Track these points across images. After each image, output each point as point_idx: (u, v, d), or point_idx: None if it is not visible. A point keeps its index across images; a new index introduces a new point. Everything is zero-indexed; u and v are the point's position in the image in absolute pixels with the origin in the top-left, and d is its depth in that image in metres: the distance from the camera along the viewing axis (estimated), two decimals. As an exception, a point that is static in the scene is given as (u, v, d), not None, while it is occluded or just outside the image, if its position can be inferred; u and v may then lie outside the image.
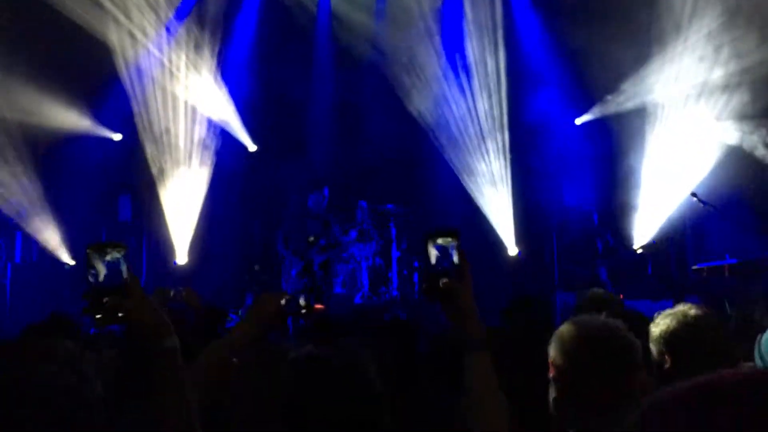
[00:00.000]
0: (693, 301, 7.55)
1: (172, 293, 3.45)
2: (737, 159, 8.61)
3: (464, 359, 1.80)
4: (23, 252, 9.11)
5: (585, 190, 9.20)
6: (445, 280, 1.80)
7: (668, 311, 2.59)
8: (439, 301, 1.83)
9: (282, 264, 8.07)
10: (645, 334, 2.51)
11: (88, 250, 1.58)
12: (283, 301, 2.29)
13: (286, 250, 7.85)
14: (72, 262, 9.33)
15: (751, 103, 8.41)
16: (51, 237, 9.24)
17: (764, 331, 2.57)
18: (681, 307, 2.59)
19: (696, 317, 2.52)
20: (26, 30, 8.62)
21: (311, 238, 7.80)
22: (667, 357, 2.49)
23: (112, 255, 1.58)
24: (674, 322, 2.51)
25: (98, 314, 1.54)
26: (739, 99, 8.50)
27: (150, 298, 1.59)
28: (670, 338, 2.49)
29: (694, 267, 7.98)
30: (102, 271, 1.57)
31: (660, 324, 2.55)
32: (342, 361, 1.70)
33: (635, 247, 9.02)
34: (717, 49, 8.59)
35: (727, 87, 8.58)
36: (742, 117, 8.58)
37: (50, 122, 9.27)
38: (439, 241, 1.82)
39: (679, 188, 8.93)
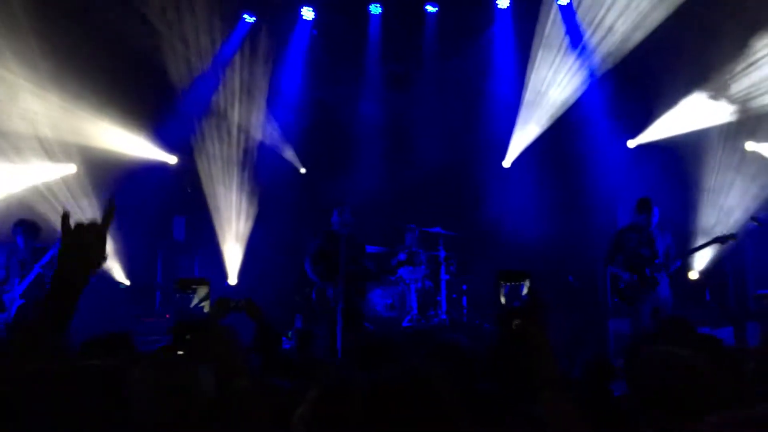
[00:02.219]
0: (754, 330, 7.36)
1: (232, 304, 3.51)
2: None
3: (539, 395, 1.78)
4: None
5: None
6: (517, 321, 1.78)
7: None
8: (513, 341, 1.81)
9: (314, 284, 8.04)
10: (723, 358, 2.41)
11: (175, 286, 1.63)
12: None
13: (312, 269, 7.85)
14: (128, 282, 9.54)
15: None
16: (108, 257, 9.47)
17: None
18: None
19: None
20: (89, 58, 8.92)
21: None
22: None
23: (197, 291, 1.62)
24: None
25: (181, 350, 1.58)
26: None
27: (230, 338, 1.61)
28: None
29: (756, 294, 7.74)
30: (190, 306, 1.61)
31: None
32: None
33: (692, 273, 8.76)
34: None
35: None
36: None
37: (111, 146, 9.56)
38: (511, 281, 1.81)
39: (738, 212, 8.71)
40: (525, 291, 1.81)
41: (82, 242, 1.66)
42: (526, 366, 1.81)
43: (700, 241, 7.68)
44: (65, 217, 1.59)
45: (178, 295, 1.60)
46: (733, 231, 7.39)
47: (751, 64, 8.72)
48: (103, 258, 1.58)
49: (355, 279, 7.78)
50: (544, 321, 1.80)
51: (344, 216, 7.71)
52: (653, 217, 7.31)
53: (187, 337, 1.58)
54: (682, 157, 9.33)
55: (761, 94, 8.78)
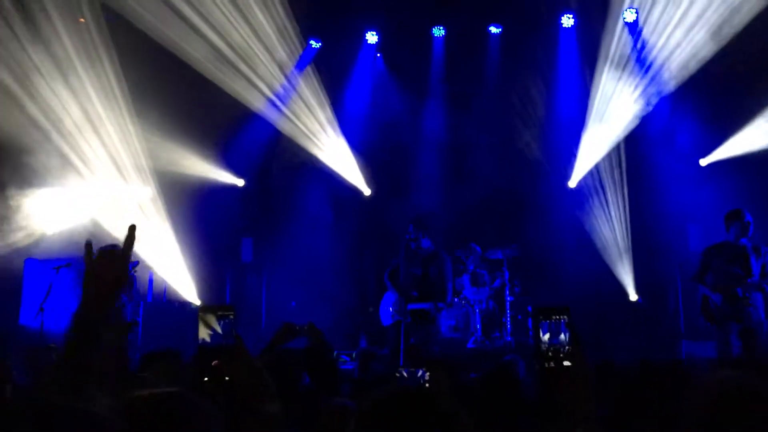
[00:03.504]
0: None
1: (297, 328, 3.65)
2: None
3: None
4: (155, 291, 9.69)
5: (712, 234, 8.69)
6: (551, 364, 1.76)
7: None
8: (553, 377, 1.79)
9: (384, 294, 7.99)
10: None
11: (199, 312, 1.68)
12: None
13: (389, 281, 7.76)
14: (198, 302, 9.83)
15: None
16: (180, 278, 9.81)
17: None
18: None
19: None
20: (162, 86, 9.33)
21: None
22: None
23: (222, 317, 1.67)
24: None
25: (205, 377, 1.63)
26: None
27: (255, 362, 1.66)
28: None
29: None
30: (211, 333, 1.66)
31: None
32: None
33: None
34: None
35: None
36: None
37: (184, 170, 9.93)
38: (550, 317, 1.79)
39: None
40: (565, 326, 1.78)
41: (105, 270, 1.64)
42: (564, 402, 1.79)
43: None
44: (88, 246, 1.65)
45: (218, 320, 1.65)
46: None
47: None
48: (125, 284, 1.63)
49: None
50: (584, 357, 1.77)
51: (419, 235, 7.56)
52: (747, 228, 6.64)
53: (213, 363, 1.63)
54: (758, 174, 9.00)
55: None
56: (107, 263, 1.59)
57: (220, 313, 1.70)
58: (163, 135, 9.58)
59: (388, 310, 7.69)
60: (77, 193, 9.12)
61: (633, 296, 9.70)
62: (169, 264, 9.71)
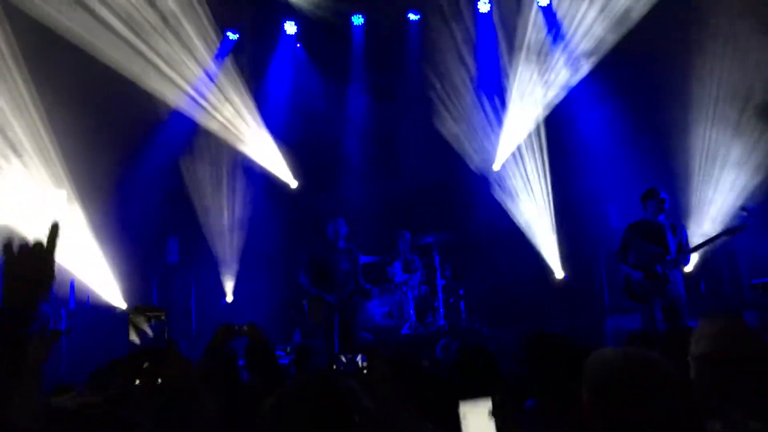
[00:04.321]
0: (751, 319, 7.33)
1: (236, 328, 3.54)
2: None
3: None
4: (77, 297, 9.33)
5: (632, 212, 9.02)
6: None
7: (708, 329, 2.33)
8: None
9: (306, 297, 8.07)
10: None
11: (129, 314, 1.61)
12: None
13: (307, 281, 7.83)
14: (124, 306, 9.53)
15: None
16: (103, 281, 9.48)
17: None
18: (719, 326, 2.33)
19: (738, 335, 2.33)
20: (73, 83, 8.96)
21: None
22: (707, 378, 2.35)
23: (153, 318, 1.61)
24: (715, 342, 2.28)
25: (137, 379, 1.56)
26: None
27: (187, 364, 1.61)
28: (710, 359, 2.26)
29: (751, 283, 7.73)
30: (150, 332, 1.60)
31: (701, 344, 2.31)
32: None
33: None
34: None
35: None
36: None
37: (102, 170, 9.56)
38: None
39: (728, 205, 8.76)
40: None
41: (29, 266, 1.52)
42: None
43: (708, 234, 7.34)
44: (8, 243, 1.53)
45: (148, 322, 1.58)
46: (740, 222, 6.89)
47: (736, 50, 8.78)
48: (52, 279, 1.51)
49: (351, 293, 7.82)
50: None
51: (339, 228, 7.78)
52: (662, 204, 6.86)
53: (145, 365, 1.57)
54: (670, 149, 9.38)
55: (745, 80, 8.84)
56: (30, 261, 1.48)
57: (150, 314, 1.64)
58: (77, 135, 9.19)
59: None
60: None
61: (559, 274, 9.96)
62: (91, 268, 9.36)
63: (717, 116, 9.07)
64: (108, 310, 9.37)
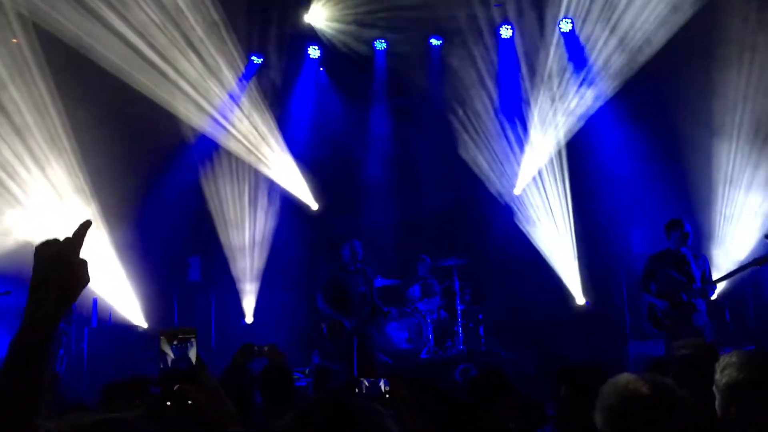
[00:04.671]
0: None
1: (256, 348, 3.55)
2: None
3: None
4: (99, 316, 9.42)
5: (655, 237, 8.97)
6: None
7: (734, 359, 2.42)
8: None
9: (325, 320, 8.10)
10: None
11: (160, 336, 1.63)
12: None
13: (325, 304, 7.88)
14: (145, 325, 9.59)
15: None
16: (125, 300, 9.57)
17: None
18: (746, 356, 2.42)
19: (762, 362, 2.38)
20: (101, 105, 9.14)
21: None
22: (732, 408, 2.37)
23: (183, 340, 1.63)
24: (741, 372, 2.36)
25: (168, 401, 1.58)
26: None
27: (217, 386, 1.62)
28: (737, 388, 2.35)
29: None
30: (172, 356, 1.61)
31: (724, 374, 2.40)
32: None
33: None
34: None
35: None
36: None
37: (124, 189, 9.70)
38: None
39: (752, 231, 8.66)
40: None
41: (61, 270, 1.42)
42: None
43: (733, 264, 7.37)
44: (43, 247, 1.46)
45: (170, 345, 1.59)
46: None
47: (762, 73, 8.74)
48: (86, 282, 1.43)
49: (368, 316, 7.83)
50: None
51: (354, 250, 7.81)
52: (686, 237, 6.91)
53: (175, 387, 1.59)
54: (693, 174, 9.31)
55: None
56: (61, 264, 1.41)
57: (181, 336, 1.66)
58: (103, 154, 9.34)
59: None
60: (11, 218, 8.80)
61: (581, 300, 9.88)
62: (113, 287, 9.45)
63: (741, 140, 9.01)
64: (129, 329, 9.45)
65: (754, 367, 2.33)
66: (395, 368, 8.48)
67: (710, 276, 7.06)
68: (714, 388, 2.40)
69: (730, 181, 9.10)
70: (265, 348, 3.64)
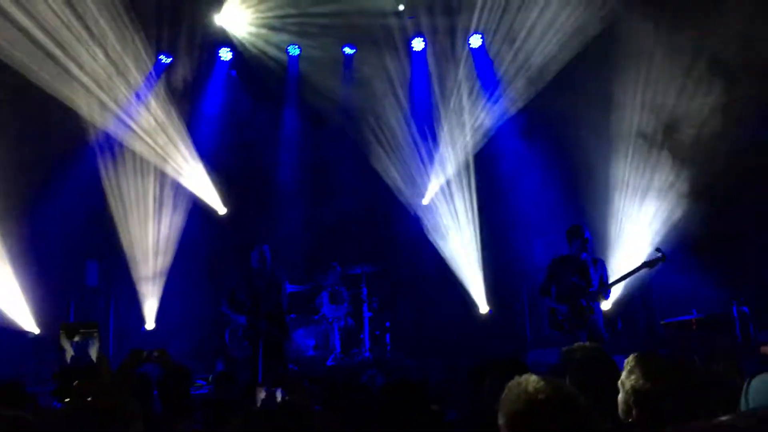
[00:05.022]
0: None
1: (145, 354, 3.42)
2: (694, 215, 8.92)
3: None
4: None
5: (556, 248, 9.33)
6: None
7: (641, 363, 2.56)
8: None
9: (228, 325, 8.01)
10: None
11: (60, 330, 1.58)
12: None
13: (230, 309, 7.78)
14: (36, 330, 9.12)
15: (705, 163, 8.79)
16: (15, 304, 9.06)
17: (747, 382, 2.61)
18: (652, 362, 2.56)
19: (664, 370, 2.53)
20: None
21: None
22: (634, 411, 2.50)
23: (83, 335, 1.58)
24: (645, 377, 2.51)
25: (67, 397, 1.53)
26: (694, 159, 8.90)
27: (121, 383, 1.58)
28: (640, 392, 2.49)
29: (663, 322, 8.04)
30: (72, 352, 1.57)
31: (631, 377, 2.54)
32: None
33: (605, 303, 8.89)
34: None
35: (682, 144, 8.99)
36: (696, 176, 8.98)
37: (20, 188, 9.21)
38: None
39: (644, 244, 9.12)
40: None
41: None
42: None
43: (627, 268, 7.52)
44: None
45: (70, 340, 1.54)
46: (658, 255, 7.12)
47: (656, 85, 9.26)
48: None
49: (275, 318, 7.74)
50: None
51: (264, 255, 7.72)
52: (586, 243, 7.18)
53: (75, 383, 1.53)
54: (594, 186, 9.73)
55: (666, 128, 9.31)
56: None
57: (83, 331, 1.60)
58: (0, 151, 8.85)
59: (238, 337, 7.74)
60: None
61: (484, 308, 10.12)
62: (2, 290, 8.94)
63: (637, 151, 9.49)
64: (18, 333, 8.96)
65: (658, 375, 2.48)
66: (301, 375, 8.41)
67: (607, 279, 7.37)
68: (620, 386, 2.53)
69: (627, 190, 9.57)
70: (155, 353, 3.52)
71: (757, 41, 7.83)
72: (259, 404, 4.97)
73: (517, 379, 2.04)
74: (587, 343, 3.38)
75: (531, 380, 2.02)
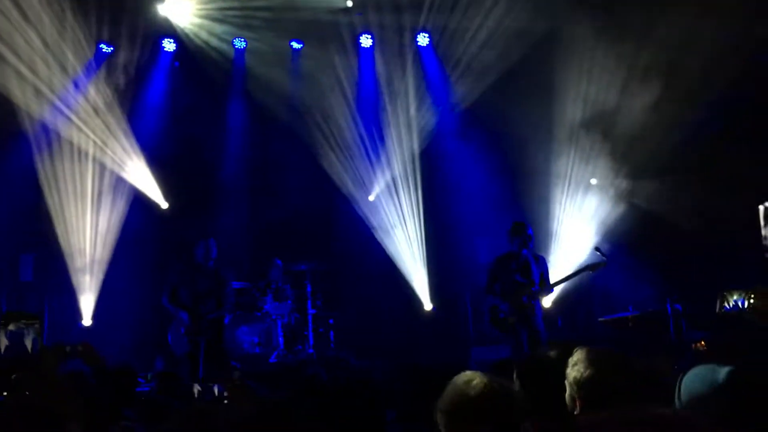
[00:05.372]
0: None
1: (68, 349, 3.18)
2: (631, 214, 9.19)
3: None
4: None
5: (499, 246, 9.49)
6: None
7: (584, 355, 2.60)
8: None
9: (172, 320, 7.89)
10: None
11: (0, 321, 1.52)
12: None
13: (171, 305, 7.67)
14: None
15: (642, 163, 9.06)
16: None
17: (680, 377, 2.69)
18: (594, 353, 2.60)
19: (605, 361, 2.58)
20: None
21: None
22: (577, 402, 2.55)
23: (20, 325, 1.52)
24: (587, 367, 2.55)
25: (3, 391, 1.46)
26: (632, 159, 9.16)
27: (62, 378, 1.52)
28: (583, 383, 2.54)
29: (601, 319, 8.26)
30: (6, 341, 1.50)
31: (575, 369, 2.58)
32: None
33: (545, 300, 9.04)
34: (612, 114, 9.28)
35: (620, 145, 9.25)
36: (633, 176, 9.24)
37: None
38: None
39: (584, 243, 9.34)
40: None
41: None
42: None
43: (570, 270, 7.77)
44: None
45: (4, 329, 1.47)
46: (600, 260, 7.30)
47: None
48: None
49: (216, 317, 7.64)
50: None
51: (209, 249, 7.62)
52: (528, 240, 7.28)
53: (13, 376, 1.47)
54: (534, 190, 9.91)
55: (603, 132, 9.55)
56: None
57: (24, 321, 1.53)
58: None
59: (180, 334, 7.60)
60: None
61: (428, 306, 10.19)
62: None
63: (579, 149, 9.72)
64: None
65: (600, 364, 2.52)
66: (243, 373, 8.30)
67: (548, 276, 7.52)
68: (566, 380, 2.58)
69: (568, 188, 9.79)
70: (79, 347, 3.32)
71: (694, 43, 8.12)
72: (196, 399, 4.89)
73: (456, 377, 2.08)
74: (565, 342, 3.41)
75: (464, 376, 2.07)
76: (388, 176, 10.55)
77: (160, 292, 7.81)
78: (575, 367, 2.56)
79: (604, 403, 2.42)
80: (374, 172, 10.59)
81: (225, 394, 3.80)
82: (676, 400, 2.65)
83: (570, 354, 2.90)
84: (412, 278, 10.26)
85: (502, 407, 1.98)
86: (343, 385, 3.36)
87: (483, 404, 1.97)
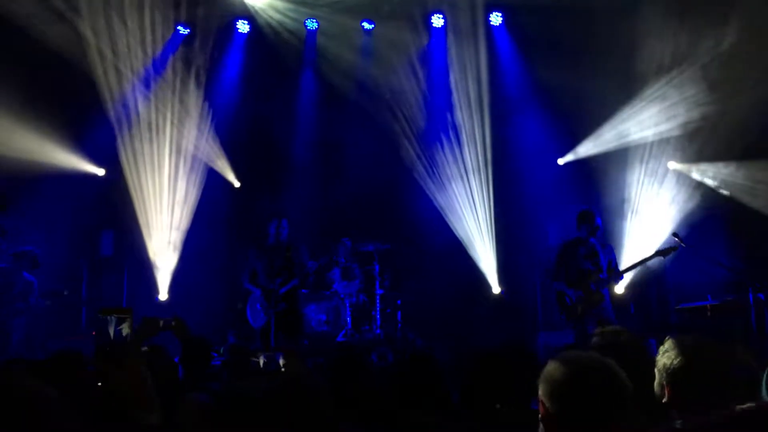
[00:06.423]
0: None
1: (161, 323, 3.33)
2: (712, 199, 8.84)
3: None
4: None
5: (569, 231, 9.31)
6: None
7: (677, 343, 2.51)
8: None
9: (249, 297, 8.12)
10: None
11: (97, 314, 1.58)
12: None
13: (251, 284, 7.94)
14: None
15: (726, 147, 8.67)
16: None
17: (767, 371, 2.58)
18: (688, 341, 2.50)
19: (702, 351, 2.48)
20: (7, 60, 8.64)
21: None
22: (667, 390, 2.46)
23: (121, 320, 1.58)
24: (678, 355, 2.45)
25: (100, 380, 1.51)
26: (714, 142, 8.77)
27: (144, 371, 1.55)
28: (674, 371, 2.44)
29: (677, 307, 7.99)
30: (106, 334, 1.56)
31: (665, 356, 2.49)
32: None
33: (618, 287, 8.78)
34: (693, 95, 8.90)
35: (701, 130, 8.88)
36: (715, 159, 8.87)
37: (32, 155, 9.22)
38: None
39: (660, 228, 9.05)
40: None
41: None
42: None
43: (642, 256, 7.49)
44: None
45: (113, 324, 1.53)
46: (673, 243, 7.12)
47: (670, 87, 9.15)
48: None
49: (289, 292, 7.82)
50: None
51: (281, 228, 7.81)
52: (596, 230, 7.18)
53: (102, 367, 1.52)
54: (608, 174, 9.65)
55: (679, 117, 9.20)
56: None
57: (117, 315, 1.59)
58: (9, 120, 8.84)
59: (256, 309, 7.85)
60: None
61: (496, 289, 10.10)
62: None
63: (655, 143, 9.43)
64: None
65: (692, 353, 2.43)
66: (311, 350, 8.45)
67: (617, 265, 7.34)
68: (655, 369, 2.50)
69: (645, 172, 9.49)
70: (172, 321, 3.46)
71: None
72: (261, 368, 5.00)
73: (562, 354, 2.05)
74: (618, 327, 3.31)
75: (571, 352, 2.04)
76: (458, 157, 10.43)
77: (240, 273, 8.12)
78: (666, 354, 2.47)
79: (695, 393, 2.34)
80: (444, 153, 10.48)
81: (281, 362, 3.87)
82: (764, 393, 2.55)
83: (618, 341, 2.83)
84: (480, 261, 10.16)
85: (611, 381, 1.96)
86: (407, 366, 3.36)
87: (593, 376, 1.95)
